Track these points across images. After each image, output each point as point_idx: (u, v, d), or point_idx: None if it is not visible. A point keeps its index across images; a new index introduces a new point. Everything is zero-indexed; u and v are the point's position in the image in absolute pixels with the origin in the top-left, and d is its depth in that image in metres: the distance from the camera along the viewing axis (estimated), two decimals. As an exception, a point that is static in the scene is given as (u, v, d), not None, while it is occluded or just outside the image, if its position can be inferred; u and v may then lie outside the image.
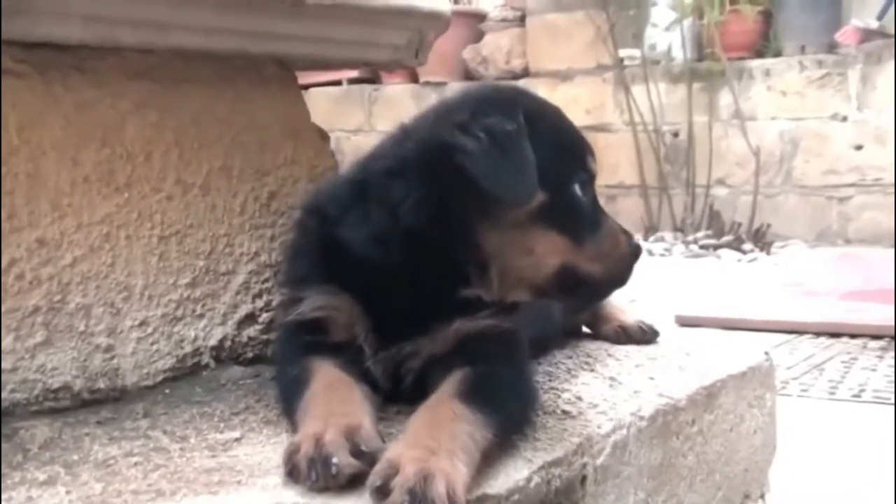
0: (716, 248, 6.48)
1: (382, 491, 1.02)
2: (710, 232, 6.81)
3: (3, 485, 1.13)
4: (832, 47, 6.84)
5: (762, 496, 1.88)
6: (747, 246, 6.45)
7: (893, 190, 6.44)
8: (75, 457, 1.23)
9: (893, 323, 3.71)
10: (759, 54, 7.12)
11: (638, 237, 6.80)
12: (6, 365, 1.31)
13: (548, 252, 1.34)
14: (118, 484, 1.14)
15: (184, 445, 1.27)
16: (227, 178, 1.58)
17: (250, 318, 1.63)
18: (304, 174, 1.70)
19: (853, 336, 3.79)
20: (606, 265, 1.43)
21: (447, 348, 1.32)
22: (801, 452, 2.39)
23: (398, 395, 1.35)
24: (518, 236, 1.33)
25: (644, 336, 1.91)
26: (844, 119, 6.75)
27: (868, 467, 2.35)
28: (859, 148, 6.70)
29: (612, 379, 1.59)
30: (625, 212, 7.57)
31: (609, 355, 1.77)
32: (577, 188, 1.39)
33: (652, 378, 1.62)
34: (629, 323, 1.93)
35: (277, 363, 1.44)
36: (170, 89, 1.47)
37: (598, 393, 1.50)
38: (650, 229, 7.18)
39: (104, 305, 1.42)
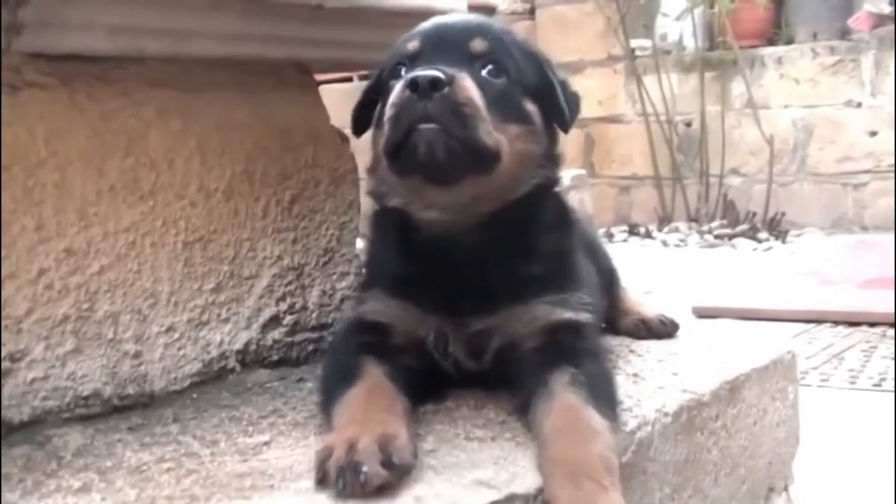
0: (731, 237, 6.46)
1: None
2: (724, 221, 6.79)
3: (39, 492, 1.15)
4: (845, 33, 6.80)
5: (786, 488, 1.88)
6: (763, 235, 6.43)
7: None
8: (108, 463, 1.24)
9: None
10: (771, 42, 7.10)
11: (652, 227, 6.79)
12: (38, 373, 1.33)
13: None
14: (152, 490, 1.15)
15: (214, 450, 1.28)
16: (250, 182, 1.59)
17: (275, 321, 1.65)
18: (325, 177, 1.71)
19: (872, 324, 3.78)
20: None
21: (533, 335, 1.37)
22: (824, 443, 2.40)
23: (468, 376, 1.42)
24: None
25: (665, 329, 1.91)
26: (858, 105, 6.72)
27: (888, 457, 2.34)
28: (874, 134, 6.67)
29: (635, 375, 1.60)
30: (638, 203, 7.57)
31: (631, 351, 1.77)
32: None
33: (675, 373, 1.63)
34: (650, 316, 1.93)
35: (329, 354, 1.48)
36: (192, 96, 1.49)
37: (622, 390, 1.50)
38: (664, 220, 7.17)
39: (131, 312, 1.44)
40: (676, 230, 6.89)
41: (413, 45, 1.37)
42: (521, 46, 1.43)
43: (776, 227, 6.57)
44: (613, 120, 7.66)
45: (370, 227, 1.50)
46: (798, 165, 6.98)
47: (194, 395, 1.51)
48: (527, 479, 1.18)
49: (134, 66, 1.40)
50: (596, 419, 1.21)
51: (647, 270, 5.58)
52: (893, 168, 6.52)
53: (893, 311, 3.82)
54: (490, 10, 8.33)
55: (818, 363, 3.28)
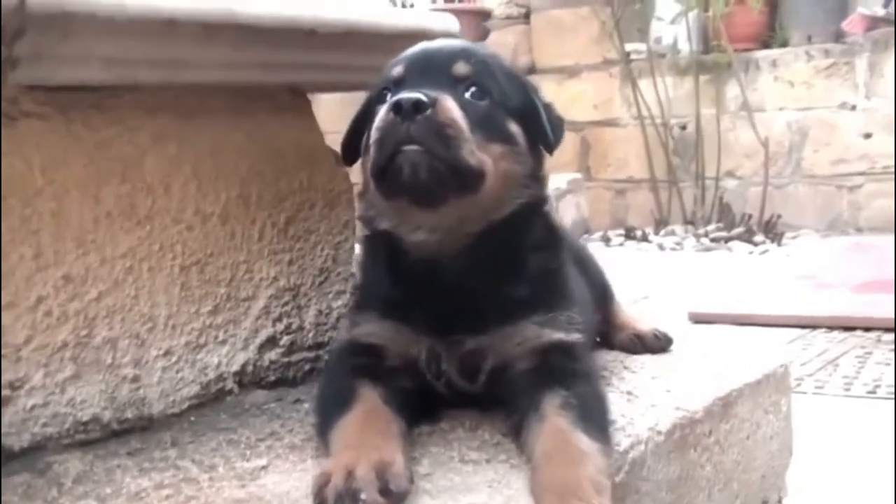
0: (727, 240, 6.48)
1: None
2: (720, 224, 6.81)
3: (39, 521, 1.17)
4: (839, 36, 6.83)
5: (780, 501, 1.90)
6: (758, 238, 6.46)
7: (903, 177, 6.44)
8: (108, 490, 1.26)
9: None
10: (766, 45, 7.12)
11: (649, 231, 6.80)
12: (37, 400, 1.34)
13: None
14: (151, 517, 1.17)
15: (212, 475, 1.30)
16: (245, 205, 1.61)
17: (271, 342, 1.66)
18: (319, 198, 1.73)
19: (867, 329, 3.80)
20: None
21: (524, 356, 1.39)
22: (818, 452, 2.41)
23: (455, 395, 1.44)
24: None
25: (659, 344, 1.93)
26: (853, 108, 6.74)
27: (884, 465, 2.36)
28: (868, 136, 6.70)
29: (628, 393, 1.61)
30: (634, 206, 7.59)
31: (625, 367, 1.79)
32: None
33: (668, 390, 1.64)
34: (644, 331, 1.95)
35: (324, 377, 1.49)
36: (187, 122, 1.50)
37: (616, 408, 1.52)
38: (660, 223, 7.19)
39: (129, 337, 1.45)
40: (673, 233, 6.91)
41: (398, 71, 1.39)
42: (506, 70, 1.45)
43: (772, 230, 6.59)
44: (609, 123, 7.69)
45: (362, 251, 1.52)
46: (793, 168, 7.00)
47: (192, 418, 1.52)
48: (521, 503, 1.19)
49: (129, 93, 1.41)
50: (585, 442, 1.23)
51: (644, 275, 5.59)
52: (892, 170, 6.55)
53: (890, 315, 3.84)
54: (485, 15, 8.36)
55: (813, 370, 3.30)
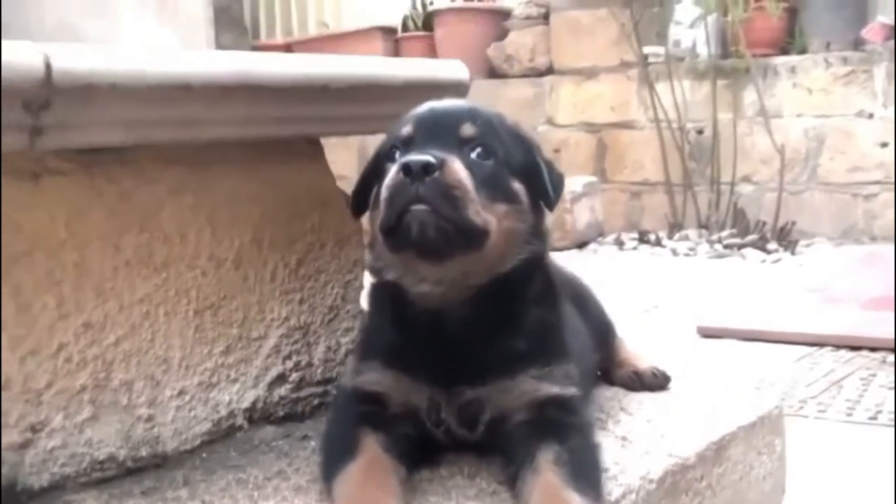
0: (740, 247, 6.50)
1: None
2: (734, 231, 6.83)
3: (58, 563, 1.24)
4: (858, 44, 6.81)
5: (772, 538, 1.96)
6: (772, 245, 6.47)
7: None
8: (122, 530, 1.33)
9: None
10: (784, 51, 7.11)
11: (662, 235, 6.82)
12: (57, 442, 1.42)
13: None
14: (163, 563, 1.24)
15: (221, 518, 1.37)
16: (258, 249, 1.67)
17: (281, 379, 1.73)
18: (330, 239, 1.79)
19: (873, 349, 3.83)
20: None
21: (521, 409, 1.45)
22: (815, 480, 2.46)
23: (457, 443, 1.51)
24: None
25: (657, 382, 1.98)
26: (870, 116, 6.73)
27: (880, 494, 2.40)
28: (885, 145, 6.68)
29: (623, 438, 1.67)
30: (649, 209, 7.61)
31: (622, 409, 1.84)
32: None
33: (662, 435, 1.70)
34: (643, 369, 2.00)
35: (329, 422, 1.55)
36: (203, 173, 1.57)
37: (610, 455, 1.57)
38: (675, 227, 7.21)
39: (145, 379, 1.52)
40: (686, 238, 6.93)
41: (407, 130, 1.45)
42: (510, 130, 1.51)
43: (786, 237, 6.60)
44: (626, 126, 7.70)
45: (368, 301, 1.58)
46: (809, 175, 7.00)
47: (204, 455, 1.59)
48: (515, 555, 1.26)
49: (148, 148, 1.47)
50: (575, 499, 1.29)
51: (656, 282, 5.64)
52: (904, 179, 6.55)
53: (893, 336, 3.87)
54: (505, 15, 8.38)
55: (817, 391, 3.33)
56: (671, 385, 2.00)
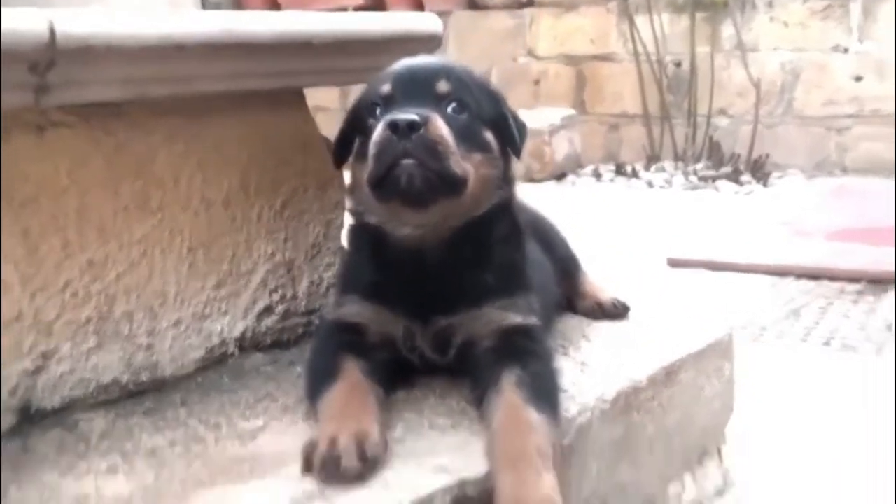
0: (714, 179, 6.66)
1: None
2: (709, 163, 6.98)
3: (73, 474, 1.39)
4: (835, -22, 6.89)
5: (718, 451, 2.14)
6: (745, 178, 6.63)
7: (893, 121, 6.57)
8: (128, 446, 1.48)
9: (880, 267, 3.95)
10: (763, -15, 7.18)
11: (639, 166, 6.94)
12: (66, 368, 1.57)
13: None
14: (167, 473, 1.39)
15: (217, 434, 1.52)
16: (245, 192, 1.80)
17: (268, 311, 1.88)
18: (312, 182, 1.92)
19: (832, 279, 4.02)
20: None
21: (487, 336, 1.60)
22: (766, 401, 2.65)
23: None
24: None
25: (617, 312, 2.14)
26: (846, 51, 6.85)
27: (827, 413, 2.60)
28: (859, 79, 6.82)
29: (582, 363, 1.83)
30: (627, 140, 7.74)
31: (583, 336, 2.00)
32: None
33: (618, 360, 1.86)
34: (604, 300, 2.15)
35: (313, 350, 1.68)
36: (194, 123, 1.69)
37: (569, 378, 1.73)
38: (652, 158, 7.35)
39: (144, 310, 1.67)
40: (663, 170, 7.08)
41: (386, 89, 1.57)
42: (479, 83, 1.64)
43: (759, 170, 6.76)
44: (605, 58, 7.77)
45: (347, 240, 1.73)
46: (784, 108, 7.13)
47: (199, 380, 1.74)
48: (478, 465, 1.41)
49: (143, 101, 1.59)
50: (534, 416, 1.45)
51: (631, 213, 5.80)
52: (881, 113, 6.68)
53: (854, 267, 4.06)
54: (486, -55, 8.35)
55: (777, 319, 3.53)
56: (631, 315, 2.16)
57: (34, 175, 1.49)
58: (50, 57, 1.31)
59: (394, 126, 1.47)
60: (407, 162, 1.48)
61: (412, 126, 1.47)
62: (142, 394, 1.68)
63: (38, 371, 1.53)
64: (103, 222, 1.59)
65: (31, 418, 1.53)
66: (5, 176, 1.45)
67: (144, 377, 1.69)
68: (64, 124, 1.51)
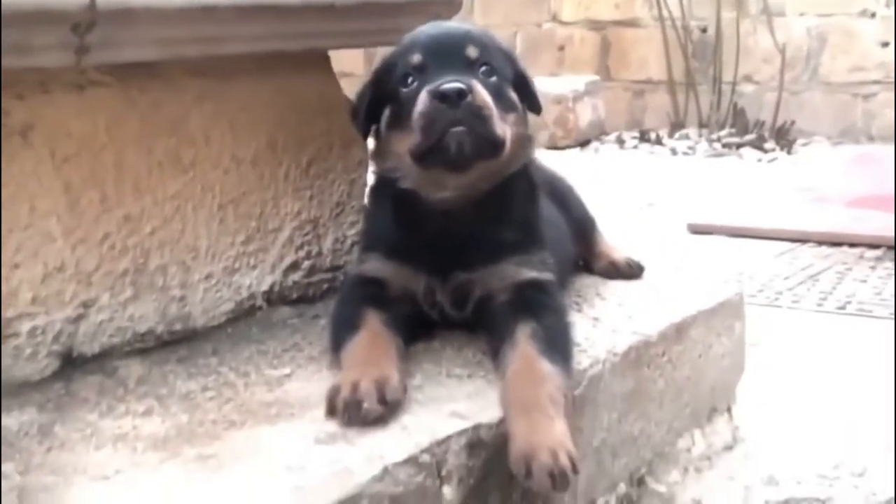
0: (738, 146, 6.66)
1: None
2: (733, 130, 6.98)
3: (112, 415, 1.48)
4: (864, -58, 6.82)
5: (729, 409, 2.21)
6: (769, 145, 6.63)
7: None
8: (163, 390, 1.57)
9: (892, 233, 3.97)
10: (790, -51, 7.12)
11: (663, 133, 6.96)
12: (105, 316, 1.66)
13: None
14: (200, 415, 1.48)
15: (247, 381, 1.61)
16: (273, 151, 1.88)
17: (294, 266, 1.96)
18: (337, 141, 2.00)
19: (852, 245, 4.05)
20: None
21: (504, 291, 1.67)
22: (781, 365, 2.71)
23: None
24: None
25: (631, 271, 2.21)
26: (873, 15, 6.80)
27: (839, 378, 2.65)
28: (886, 45, 6.77)
29: (595, 319, 1.90)
30: (652, 107, 7.74)
31: (597, 294, 2.07)
32: None
33: (630, 317, 1.93)
34: (618, 260, 2.22)
35: (337, 303, 1.76)
36: (224, 83, 1.76)
37: (581, 332, 1.80)
38: (676, 125, 7.35)
39: (177, 264, 1.75)
40: (687, 137, 7.08)
41: (417, 58, 1.63)
42: (499, 46, 1.70)
43: (784, 136, 6.75)
44: (630, 24, 7.76)
45: (370, 199, 1.80)
46: (810, 74, 7.10)
47: (229, 330, 1.83)
48: (492, 411, 1.49)
49: (176, 61, 1.67)
50: (546, 366, 1.52)
51: (654, 180, 5.83)
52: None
53: (874, 233, 4.08)
54: None
55: (794, 284, 3.57)
56: (645, 275, 2.22)
57: (75, 132, 1.57)
58: (91, 18, 1.38)
59: (442, 96, 1.53)
60: (457, 129, 1.55)
61: (460, 94, 1.54)
62: (175, 343, 1.77)
63: (79, 319, 1.63)
64: (138, 178, 1.67)
65: (72, 363, 1.63)
66: (50, 133, 1.54)
67: (178, 327, 1.77)
68: (102, 84, 1.59)
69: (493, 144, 1.59)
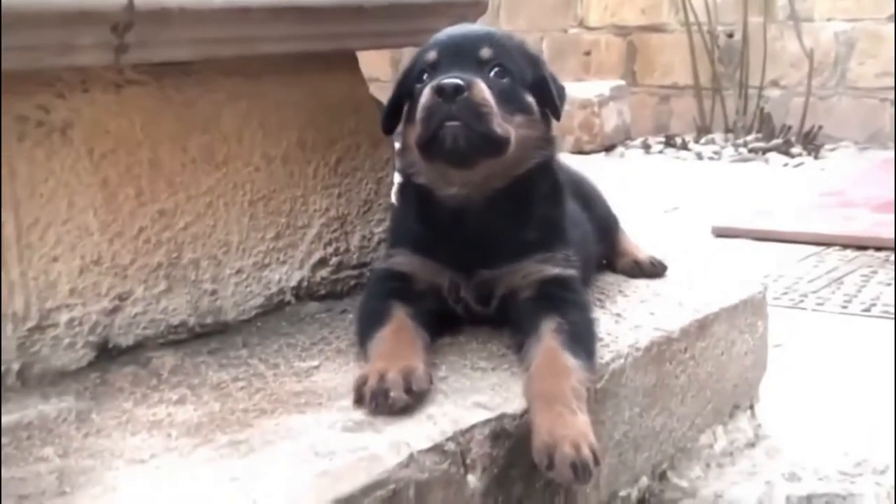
0: (765, 151, 6.64)
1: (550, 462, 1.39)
2: (759, 135, 6.96)
3: (146, 403, 1.53)
4: (892, -54, 6.78)
5: (751, 406, 2.23)
6: (795, 150, 6.61)
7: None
8: (196, 381, 1.62)
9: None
10: (818, -46, 7.10)
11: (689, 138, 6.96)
12: (139, 309, 1.71)
13: None
14: (231, 403, 1.52)
15: (276, 372, 1.65)
16: (303, 149, 1.93)
17: (322, 263, 2.00)
18: (365, 140, 2.04)
19: (878, 249, 4.04)
20: None
21: (528, 287, 1.70)
22: (804, 366, 2.72)
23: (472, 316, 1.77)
24: None
25: (654, 270, 2.23)
26: (901, 20, 6.76)
27: (862, 380, 2.65)
28: (914, 50, 6.73)
29: (617, 315, 1.93)
30: (678, 112, 7.73)
31: (619, 291, 2.10)
32: None
33: (652, 313, 1.96)
34: (642, 259, 2.24)
35: (364, 297, 1.81)
36: (256, 83, 1.82)
37: (604, 328, 1.83)
38: (702, 130, 7.35)
39: (209, 259, 1.80)
40: (713, 142, 7.08)
41: (432, 56, 1.68)
42: (520, 48, 1.74)
43: (811, 142, 6.73)
44: (656, 29, 7.76)
45: (397, 197, 1.84)
46: (838, 79, 7.07)
47: (259, 324, 1.88)
48: (515, 403, 1.52)
49: (210, 61, 1.72)
50: (570, 361, 1.55)
51: (679, 185, 5.83)
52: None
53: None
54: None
55: (818, 287, 3.57)
56: (668, 274, 2.24)
57: (113, 129, 1.62)
58: (129, 18, 1.44)
59: (439, 90, 1.57)
60: (452, 124, 1.58)
61: (457, 89, 1.57)
62: (207, 335, 1.81)
63: (114, 311, 1.68)
64: (173, 174, 1.72)
65: (108, 354, 1.68)
66: (89, 130, 1.59)
67: (209, 320, 1.82)
68: (138, 82, 1.64)
69: (493, 142, 1.61)
